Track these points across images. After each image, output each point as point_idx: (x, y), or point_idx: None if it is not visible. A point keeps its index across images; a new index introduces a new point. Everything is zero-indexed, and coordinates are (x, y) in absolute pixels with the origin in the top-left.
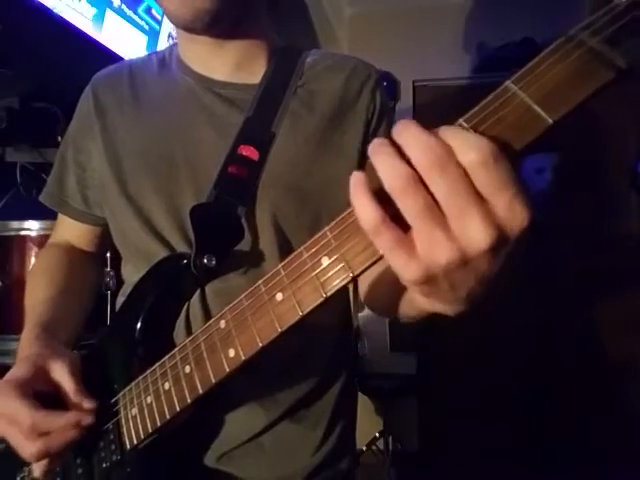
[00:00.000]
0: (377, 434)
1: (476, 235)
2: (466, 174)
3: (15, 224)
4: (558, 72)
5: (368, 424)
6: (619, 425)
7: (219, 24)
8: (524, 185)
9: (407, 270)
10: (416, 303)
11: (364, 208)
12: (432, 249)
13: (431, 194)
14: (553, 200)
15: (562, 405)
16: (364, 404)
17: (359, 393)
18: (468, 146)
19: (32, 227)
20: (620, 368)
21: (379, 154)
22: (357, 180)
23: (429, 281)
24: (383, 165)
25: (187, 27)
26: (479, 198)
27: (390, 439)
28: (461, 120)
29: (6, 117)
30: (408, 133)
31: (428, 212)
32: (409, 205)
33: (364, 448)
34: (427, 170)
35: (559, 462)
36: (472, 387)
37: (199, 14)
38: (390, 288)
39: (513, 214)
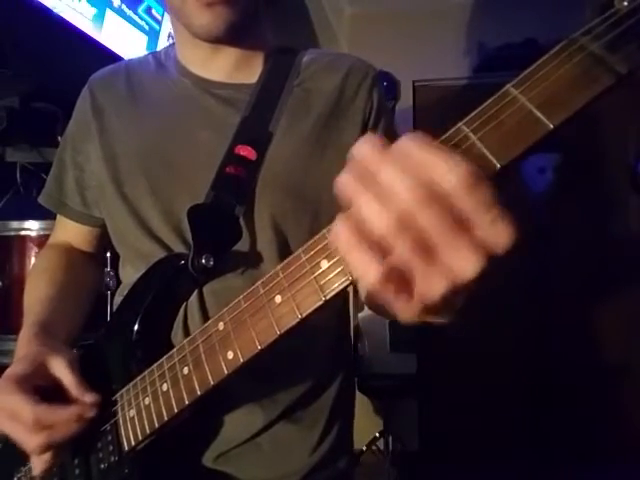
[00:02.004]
0: (377, 434)
1: (467, 264)
2: (450, 201)
3: (15, 224)
4: (559, 77)
5: (368, 424)
6: (618, 425)
7: (239, 31)
8: (509, 202)
9: (405, 312)
10: None
11: (365, 267)
12: (428, 287)
13: (419, 228)
14: (554, 200)
15: (562, 405)
16: (364, 404)
17: (359, 393)
18: (448, 171)
19: (32, 227)
20: (620, 368)
21: (360, 198)
22: (347, 233)
23: (424, 311)
24: (369, 211)
25: (215, 39)
26: (465, 225)
27: (390, 439)
28: (461, 124)
29: (6, 117)
30: (389, 170)
31: (420, 250)
32: (402, 246)
33: (364, 448)
34: (413, 207)
35: (558, 462)
36: (472, 387)
37: (230, 27)
38: None
39: (498, 235)
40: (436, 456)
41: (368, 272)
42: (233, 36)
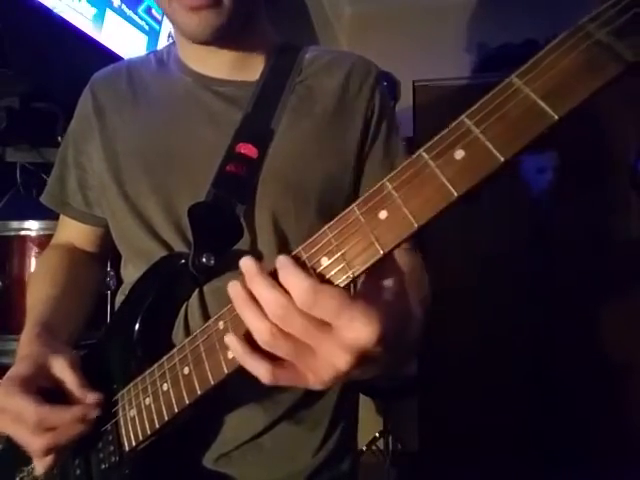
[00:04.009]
0: (377, 434)
1: (339, 360)
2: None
3: (15, 224)
4: (564, 66)
5: (368, 424)
6: (619, 424)
7: (229, 34)
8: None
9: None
10: None
11: (259, 367)
12: (317, 374)
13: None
14: (554, 200)
15: (563, 404)
16: (364, 404)
17: (359, 393)
18: (293, 290)
19: (32, 227)
20: (620, 367)
21: (243, 309)
22: (238, 342)
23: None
24: (248, 321)
25: (202, 42)
26: (328, 328)
27: (390, 439)
28: (464, 116)
29: (6, 117)
30: (255, 287)
31: (295, 353)
32: (279, 352)
33: (364, 448)
34: (280, 323)
35: (560, 462)
36: (472, 387)
37: (217, 31)
38: None
39: (356, 334)
40: (436, 456)
41: (260, 371)
42: (223, 38)
